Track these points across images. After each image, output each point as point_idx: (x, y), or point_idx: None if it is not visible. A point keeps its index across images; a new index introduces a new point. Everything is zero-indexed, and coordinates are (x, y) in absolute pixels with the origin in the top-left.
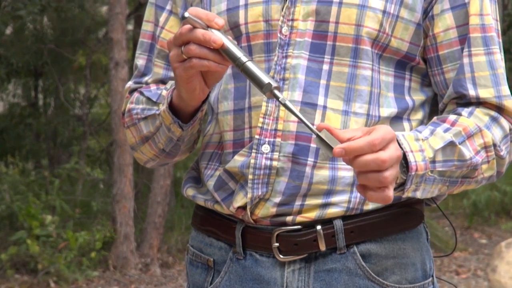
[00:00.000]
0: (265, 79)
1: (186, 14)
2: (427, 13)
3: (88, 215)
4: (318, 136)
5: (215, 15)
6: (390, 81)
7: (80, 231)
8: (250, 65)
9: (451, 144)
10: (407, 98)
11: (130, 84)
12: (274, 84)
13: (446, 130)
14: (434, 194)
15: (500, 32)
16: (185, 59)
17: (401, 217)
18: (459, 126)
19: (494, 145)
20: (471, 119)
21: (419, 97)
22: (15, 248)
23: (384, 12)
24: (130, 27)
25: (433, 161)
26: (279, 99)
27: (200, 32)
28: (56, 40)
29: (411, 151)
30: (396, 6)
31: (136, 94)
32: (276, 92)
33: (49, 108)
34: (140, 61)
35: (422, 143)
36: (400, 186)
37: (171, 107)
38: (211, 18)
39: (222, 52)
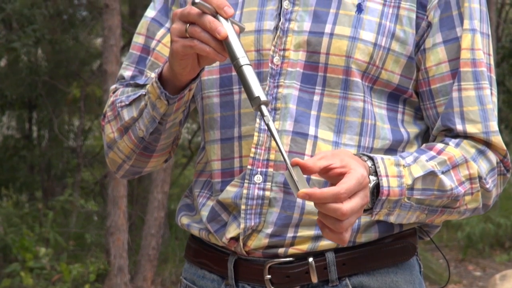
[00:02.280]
0: (256, 91)
1: (197, 0)
2: (419, 47)
3: (82, 247)
4: (289, 171)
5: (226, 3)
6: (383, 113)
7: (74, 264)
8: (247, 70)
9: (431, 174)
10: (402, 130)
11: (115, 85)
12: (263, 98)
13: (431, 158)
14: (411, 221)
15: (492, 66)
16: (186, 36)
17: (393, 249)
18: (445, 155)
19: (480, 177)
20: (458, 149)
21: (413, 129)
22: (8, 280)
23: (375, 44)
24: (124, 59)
25: (411, 189)
26: (264, 117)
27: (208, 19)
28: (51, 72)
29: (386, 176)
30: (388, 39)
31: (121, 88)
32: (263, 108)
33: (43, 140)
34: (126, 72)
35: (402, 169)
36: (370, 209)
37: (160, 80)
38: (221, 5)
39: (224, 44)
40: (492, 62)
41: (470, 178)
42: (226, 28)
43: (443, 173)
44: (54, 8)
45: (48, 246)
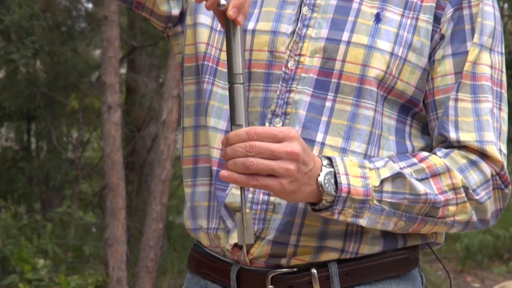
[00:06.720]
0: (240, 118)
1: None
2: (430, 58)
3: (80, 259)
4: (242, 215)
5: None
6: (392, 124)
7: (72, 275)
8: (238, 90)
9: (399, 175)
10: (408, 143)
11: None
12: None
13: (410, 165)
14: (388, 228)
15: (504, 83)
16: None
17: (396, 261)
18: (425, 163)
19: (466, 187)
20: (443, 159)
21: (419, 143)
22: None
23: (391, 54)
24: (123, 70)
25: (380, 191)
26: None
27: None
28: (49, 83)
29: (346, 174)
30: (404, 49)
31: None
32: None
33: (41, 151)
34: None
35: (367, 171)
36: (330, 207)
37: None
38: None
39: (227, 51)
40: (504, 79)
41: (454, 188)
42: (237, 34)
43: (419, 180)
44: (53, 20)
45: (46, 258)
